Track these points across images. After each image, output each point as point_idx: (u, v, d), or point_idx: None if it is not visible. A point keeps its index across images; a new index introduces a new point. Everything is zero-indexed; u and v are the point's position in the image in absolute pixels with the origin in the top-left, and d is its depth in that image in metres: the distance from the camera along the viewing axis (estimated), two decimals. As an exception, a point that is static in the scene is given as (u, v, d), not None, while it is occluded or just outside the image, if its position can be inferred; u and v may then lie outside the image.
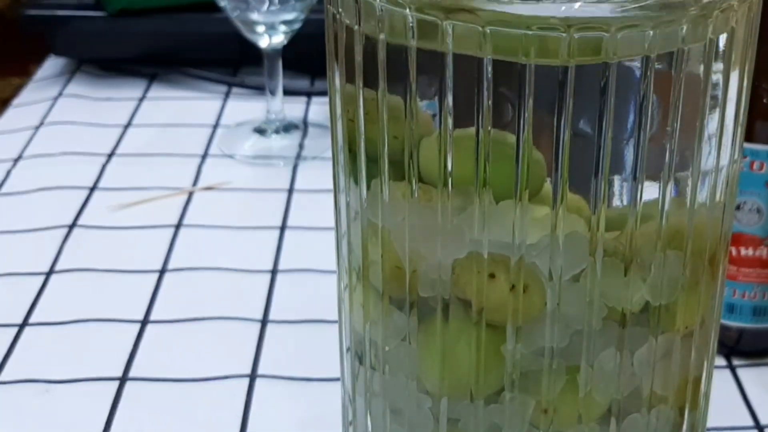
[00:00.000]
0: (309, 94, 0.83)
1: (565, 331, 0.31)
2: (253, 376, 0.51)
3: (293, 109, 0.79)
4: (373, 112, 0.31)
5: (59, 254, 0.61)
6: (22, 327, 0.54)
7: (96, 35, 0.84)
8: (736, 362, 0.52)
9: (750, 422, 0.48)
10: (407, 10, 0.29)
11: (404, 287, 0.32)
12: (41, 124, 0.78)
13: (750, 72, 0.32)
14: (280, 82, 0.75)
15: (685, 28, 0.28)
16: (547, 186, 0.29)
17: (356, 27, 0.30)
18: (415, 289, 0.32)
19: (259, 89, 0.81)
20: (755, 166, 0.47)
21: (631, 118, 0.29)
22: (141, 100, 0.82)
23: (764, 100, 0.46)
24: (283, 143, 0.75)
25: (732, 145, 0.32)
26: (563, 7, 0.27)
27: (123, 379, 0.50)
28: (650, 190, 0.30)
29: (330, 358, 0.45)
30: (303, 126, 0.78)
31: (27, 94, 0.85)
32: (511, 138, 0.29)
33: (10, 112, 0.82)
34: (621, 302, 0.31)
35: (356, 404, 0.36)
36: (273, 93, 0.75)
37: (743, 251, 0.49)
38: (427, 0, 0.28)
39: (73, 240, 0.63)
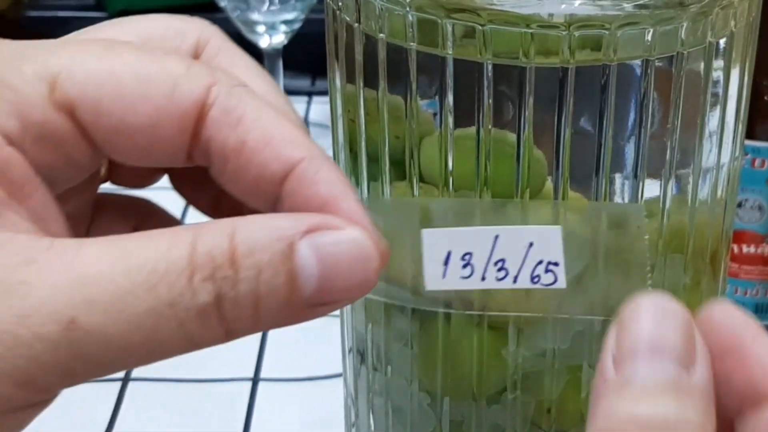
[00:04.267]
0: (310, 94, 0.83)
1: (567, 331, 0.31)
2: (255, 380, 0.51)
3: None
4: (373, 112, 0.31)
5: (61, 255, 0.61)
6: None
7: (96, 36, 0.84)
8: (738, 359, 0.52)
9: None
10: (407, 9, 0.29)
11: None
12: (42, 125, 0.78)
13: (750, 69, 0.32)
14: (281, 82, 0.75)
15: (685, 25, 0.28)
16: (549, 184, 0.29)
17: (356, 25, 0.30)
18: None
19: (260, 89, 0.81)
20: (756, 163, 0.47)
21: (632, 115, 0.29)
22: (142, 100, 0.82)
23: (765, 97, 0.46)
24: (284, 143, 0.75)
25: (733, 142, 0.32)
26: (563, 5, 0.27)
27: (126, 380, 0.50)
28: (651, 188, 0.30)
29: (332, 358, 0.45)
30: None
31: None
32: (512, 137, 0.29)
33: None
34: (623, 301, 0.31)
35: (359, 405, 0.36)
36: (274, 93, 0.75)
37: (745, 248, 0.49)
38: (427, -1, 0.28)
39: (75, 241, 0.63)
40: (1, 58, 0.22)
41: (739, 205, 0.48)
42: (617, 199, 0.30)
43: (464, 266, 0.25)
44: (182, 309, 0.21)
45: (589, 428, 0.21)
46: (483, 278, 0.25)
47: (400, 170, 0.31)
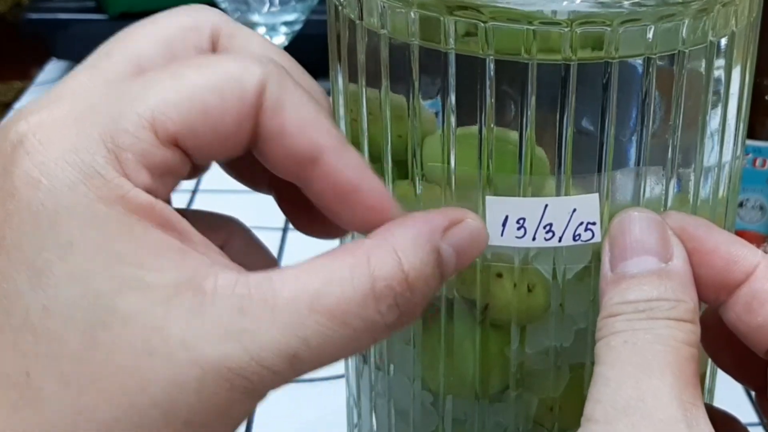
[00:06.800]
0: (311, 96, 0.83)
1: (570, 329, 0.31)
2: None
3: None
4: (376, 112, 0.31)
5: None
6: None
7: (97, 38, 0.83)
8: (739, 359, 0.52)
9: (755, 419, 0.48)
10: (410, 7, 0.29)
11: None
12: (43, 127, 0.78)
13: (752, 69, 0.32)
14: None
15: (686, 22, 0.28)
16: (551, 183, 0.29)
17: (358, 22, 0.30)
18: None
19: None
20: (758, 162, 0.47)
21: (634, 114, 0.29)
22: (142, 102, 0.82)
23: (766, 97, 0.46)
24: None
25: (734, 141, 0.32)
26: (565, 2, 0.27)
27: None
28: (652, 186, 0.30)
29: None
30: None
31: (28, 98, 0.85)
32: (514, 135, 0.29)
33: (12, 116, 0.82)
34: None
35: (361, 405, 0.36)
36: (274, 94, 0.75)
37: (746, 248, 0.49)
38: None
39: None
40: (99, 125, 0.25)
41: (741, 204, 0.48)
42: (618, 197, 0.30)
43: (518, 228, 0.29)
44: (374, 330, 0.25)
45: (598, 321, 0.27)
46: (533, 238, 0.29)
47: (402, 169, 0.31)
